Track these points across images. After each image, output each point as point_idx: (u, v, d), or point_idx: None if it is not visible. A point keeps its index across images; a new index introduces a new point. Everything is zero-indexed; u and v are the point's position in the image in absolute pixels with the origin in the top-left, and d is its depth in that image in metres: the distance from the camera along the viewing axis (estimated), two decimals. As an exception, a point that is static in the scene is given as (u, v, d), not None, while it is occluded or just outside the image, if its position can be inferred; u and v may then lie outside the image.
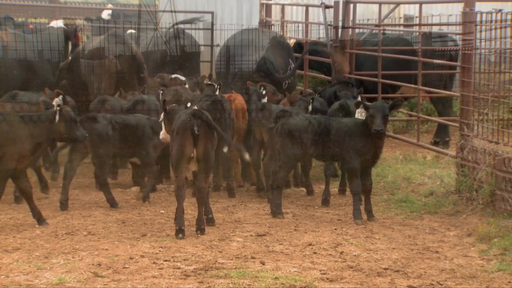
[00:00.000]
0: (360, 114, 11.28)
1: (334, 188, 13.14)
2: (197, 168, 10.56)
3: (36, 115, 10.84)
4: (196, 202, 10.76)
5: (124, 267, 8.92)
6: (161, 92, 13.74)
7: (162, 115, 11.10)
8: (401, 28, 20.22)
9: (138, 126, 12.34)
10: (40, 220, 10.86)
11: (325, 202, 12.29)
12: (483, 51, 11.92)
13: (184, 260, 9.24)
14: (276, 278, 8.61)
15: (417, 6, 15.21)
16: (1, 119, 10.61)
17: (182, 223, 10.32)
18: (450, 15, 20.76)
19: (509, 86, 11.92)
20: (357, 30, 17.22)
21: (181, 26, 18.52)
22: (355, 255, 9.58)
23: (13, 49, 14.57)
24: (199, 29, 24.26)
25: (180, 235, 10.24)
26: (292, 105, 13.11)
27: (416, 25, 19.53)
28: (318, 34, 19.91)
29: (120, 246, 9.76)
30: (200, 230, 10.50)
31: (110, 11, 28.99)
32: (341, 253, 9.67)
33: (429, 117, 16.49)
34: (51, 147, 13.09)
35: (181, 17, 25.06)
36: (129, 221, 11.05)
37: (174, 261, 9.20)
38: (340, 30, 16.34)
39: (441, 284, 8.64)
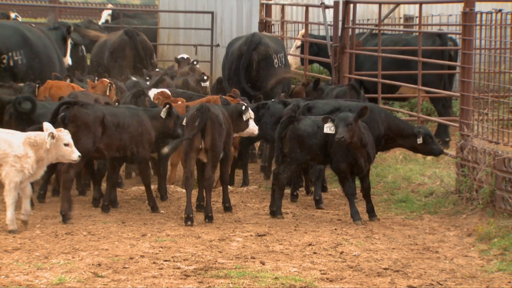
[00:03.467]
0: (329, 128, 10.98)
1: (334, 188, 13.14)
2: (205, 158, 11.07)
3: (155, 110, 11.75)
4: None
5: (124, 267, 8.92)
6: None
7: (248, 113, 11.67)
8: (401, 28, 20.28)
9: None
10: (154, 208, 11.54)
11: (318, 203, 12.22)
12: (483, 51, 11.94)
13: (184, 260, 9.24)
14: (276, 278, 8.61)
15: (417, 6, 15.20)
16: (133, 113, 11.45)
17: (190, 211, 10.86)
18: (450, 15, 20.81)
19: (509, 86, 11.92)
20: (357, 30, 17.22)
21: None
22: (355, 255, 9.58)
23: None
24: (198, 29, 24.30)
25: (189, 223, 10.80)
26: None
27: (416, 25, 19.57)
28: (318, 33, 19.94)
29: (120, 246, 9.76)
30: (208, 218, 11.00)
31: (110, 11, 29.08)
32: (341, 253, 9.67)
33: (429, 117, 16.48)
34: None
35: (181, 17, 25.12)
36: (129, 221, 11.05)
37: (174, 261, 9.20)
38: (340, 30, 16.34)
39: (441, 284, 8.64)
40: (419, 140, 11.70)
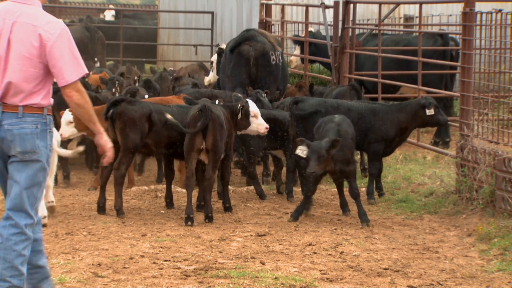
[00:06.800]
0: (301, 151, 10.63)
1: (334, 188, 13.14)
2: (206, 159, 11.06)
3: (232, 106, 11.59)
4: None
5: (124, 267, 8.92)
6: None
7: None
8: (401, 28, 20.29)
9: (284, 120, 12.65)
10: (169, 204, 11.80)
11: (278, 191, 12.62)
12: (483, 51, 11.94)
13: (184, 260, 9.23)
14: (276, 278, 8.61)
15: (417, 6, 15.21)
16: (184, 112, 11.37)
17: (190, 211, 10.85)
18: (450, 15, 20.83)
19: (509, 86, 11.93)
20: (357, 30, 17.23)
21: None
22: (355, 255, 9.58)
23: None
24: (198, 29, 24.31)
25: (189, 223, 10.79)
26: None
27: (416, 25, 19.58)
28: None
29: (120, 246, 9.76)
30: (208, 218, 11.00)
31: (113, 12, 29.18)
32: (341, 253, 9.67)
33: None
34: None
35: (181, 17, 25.13)
36: (129, 221, 11.05)
37: (174, 261, 9.19)
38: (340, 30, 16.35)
39: (441, 284, 8.63)
40: (430, 112, 11.82)
